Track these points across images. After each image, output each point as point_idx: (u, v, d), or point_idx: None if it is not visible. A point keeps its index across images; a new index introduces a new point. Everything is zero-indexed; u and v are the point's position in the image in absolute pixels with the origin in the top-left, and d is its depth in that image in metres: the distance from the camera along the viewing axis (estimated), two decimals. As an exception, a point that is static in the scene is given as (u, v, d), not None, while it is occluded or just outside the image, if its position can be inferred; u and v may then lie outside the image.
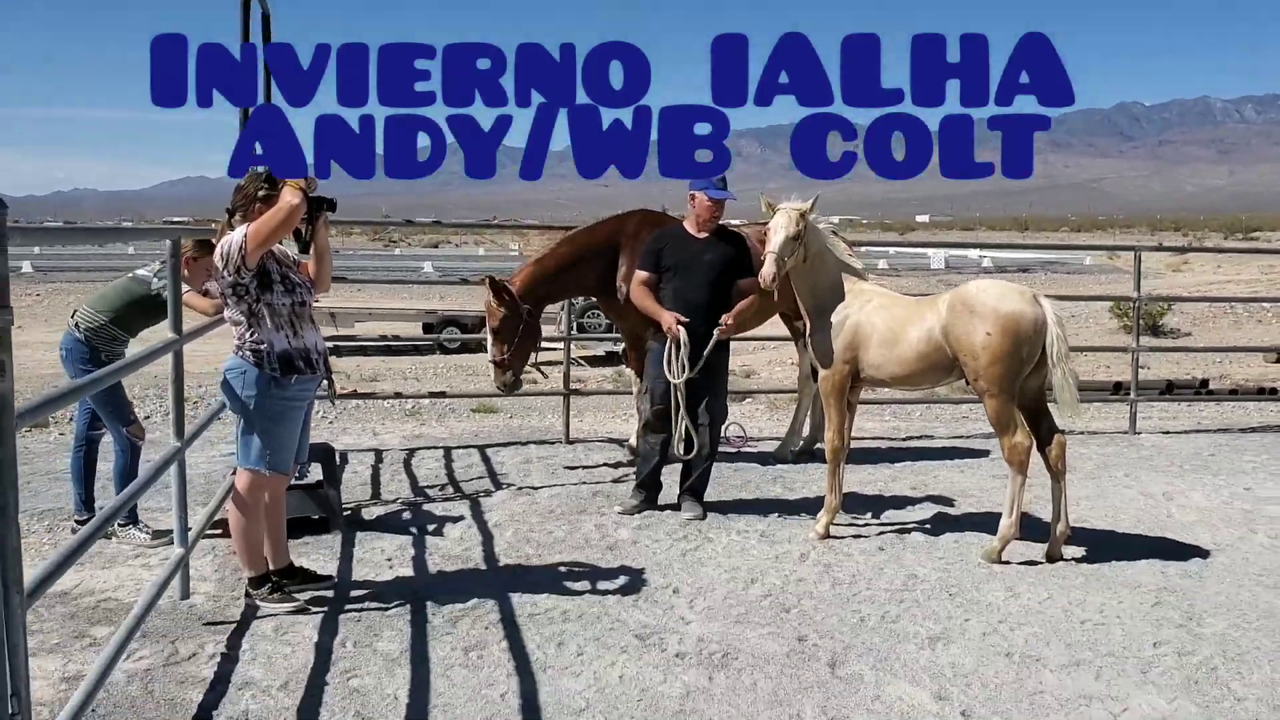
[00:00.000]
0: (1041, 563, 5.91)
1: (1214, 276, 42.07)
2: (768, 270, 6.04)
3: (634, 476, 7.11)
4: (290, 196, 4.70)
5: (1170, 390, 13.82)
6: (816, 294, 6.31)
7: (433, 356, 22.05)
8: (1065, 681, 4.33)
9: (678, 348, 6.53)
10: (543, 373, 8.85)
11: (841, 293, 6.25)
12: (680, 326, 6.50)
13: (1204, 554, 6.12)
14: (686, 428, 6.64)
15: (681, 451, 6.70)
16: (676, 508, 6.88)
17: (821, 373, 6.37)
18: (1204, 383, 15.05)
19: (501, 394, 7.73)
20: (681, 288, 6.68)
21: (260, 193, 4.81)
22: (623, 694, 4.16)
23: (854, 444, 8.99)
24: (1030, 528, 6.18)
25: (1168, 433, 9.99)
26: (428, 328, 23.37)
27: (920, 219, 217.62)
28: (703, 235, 6.77)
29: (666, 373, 6.58)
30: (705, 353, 6.54)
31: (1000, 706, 4.09)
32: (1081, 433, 9.84)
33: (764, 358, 20.78)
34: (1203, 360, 19.83)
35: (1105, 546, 6.21)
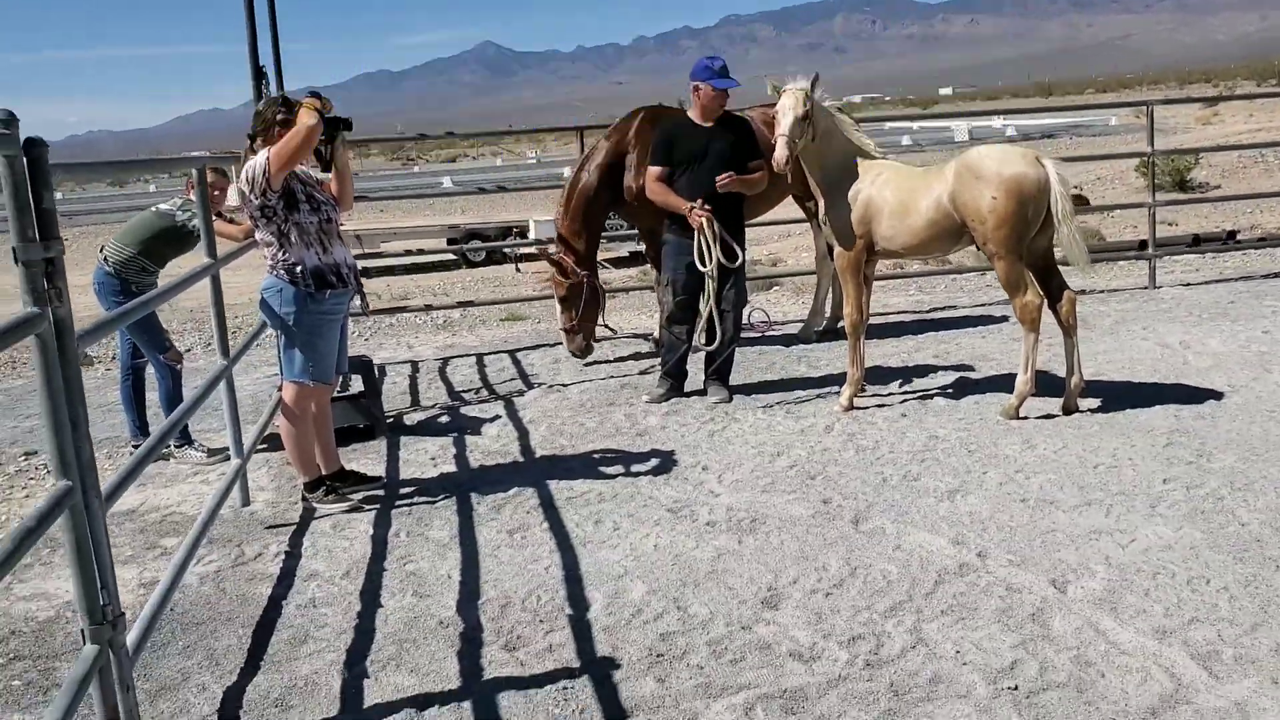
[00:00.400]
0: (1058, 415, 6.11)
1: (1245, 126, 41.16)
2: (781, 153, 6.15)
3: (659, 366, 7.34)
4: (306, 118, 4.88)
5: (1197, 243, 13.79)
6: (826, 172, 6.42)
7: (459, 271, 22.28)
8: (1077, 520, 4.57)
9: (708, 237, 6.66)
10: (613, 330, 9.10)
11: (851, 170, 6.36)
12: (707, 212, 6.62)
13: (1218, 396, 6.30)
14: (711, 318, 6.81)
15: (704, 342, 6.89)
16: (703, 393, 7.11)
17: (837, 250, 6.52)
18: (1232, 234, 14.96)
19: (577, 358, 8.19)
20: (695, 179, 6.75)
21: (278, 116, 4.99)
22: (658, 560, 4.44)
23: (880, 319, 9.21)
24: (1049, 384, 6.37)
25: (1188, 284, 10.08)
26: (452, 242, 23.54)
27: (944, 91, 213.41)
28: (709, 124, 6.85)
29: (697, 263, 6.73)
30: (713, 235, 6.60)
31: (1014, 546, 4.33)
32: (1102, 291, 9.95)
33: (791, 244, 20.86)
34: (1233, 212, 19.69)
35: (1121, 396, 6.40)
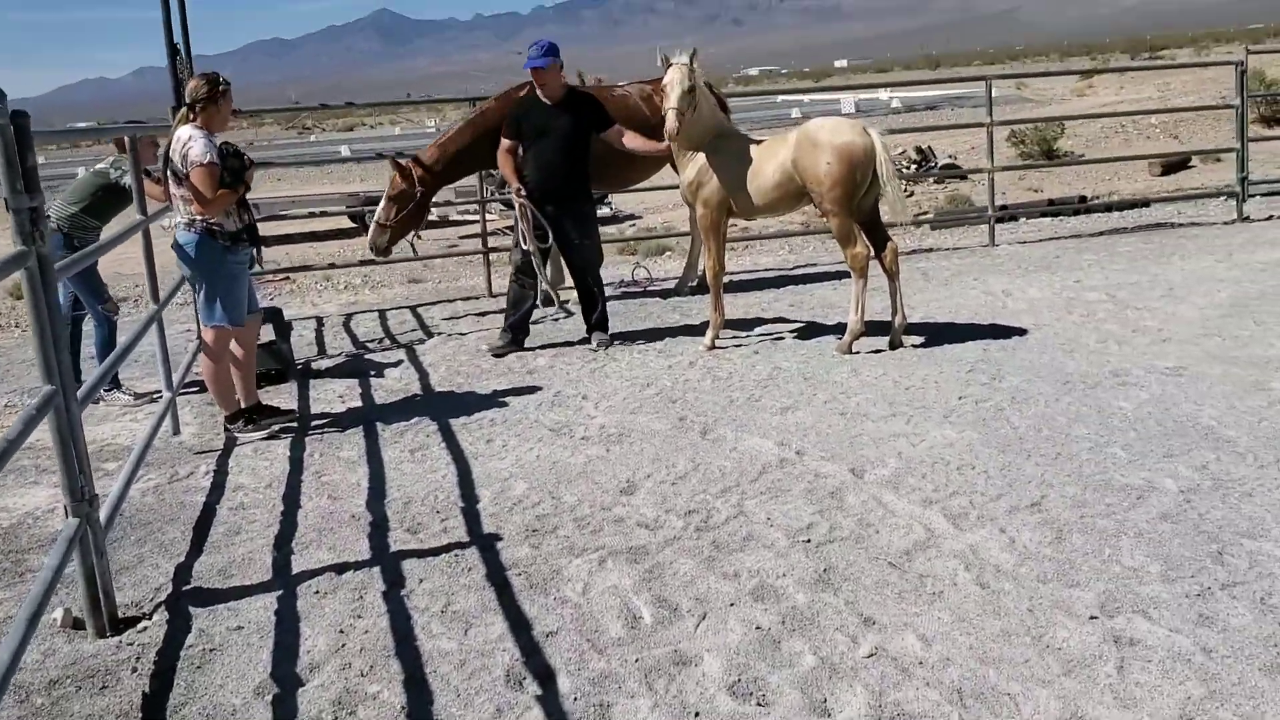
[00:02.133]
0: (885, 350, 7.11)
1: (1115, 97, 43.22)
2: (671, 124, 6.93)
3: (503, 320, 7.91)
4: (223, 203, 5.74)
5: (1051, 205, 15.11)
6: (692, 142, 7.26)
7: (359, 239, 22.65)
8: (881, 427, 5.56)
9: (525, 216, 7.46)
10: (415, 242, 9.49)
11: (712, 141, 7.21)
12: (523, 198, 7.44)
13: (1023, 333, 7.36)
14: (545, 289, 7.78)
15: (541, 304, 7.83)
16: (588, 341, 7.95)
17: (700, 211, 7.39)
18: (1083, 198, 16.33)
19: (372, 253, 8.59)
20: (539, 153, 7.56)
21: (220, 89, 5.81)
22: (538, 466, 5.30)
23: (750, 274, 10.18)
24: (882, 328, 7.36)
25: (1024, 242, 11.25)
26: (352, 217, 23.81)
27: (838, 64, 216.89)
28: (553, 102, 7.58)
29: (521, 239, 7.57)
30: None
31: (827, 447, 5.30)
32: (948, 249, 11.07)
33: (683, 214, 21.76)
34: (1093, 179, 21.28)
35: (943, 334, 7.43)
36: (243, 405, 6.16)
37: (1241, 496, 4.39)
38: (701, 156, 7.21)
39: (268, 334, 7.49)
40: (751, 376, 6.70)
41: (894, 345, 7.16)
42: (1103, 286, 8.67)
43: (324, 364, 7.88)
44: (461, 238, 19.23)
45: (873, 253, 7.07)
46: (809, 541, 4.20)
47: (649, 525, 4.46)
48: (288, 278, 12.67)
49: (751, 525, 4.39)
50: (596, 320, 7.91)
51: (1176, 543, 4.00)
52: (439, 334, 8.62)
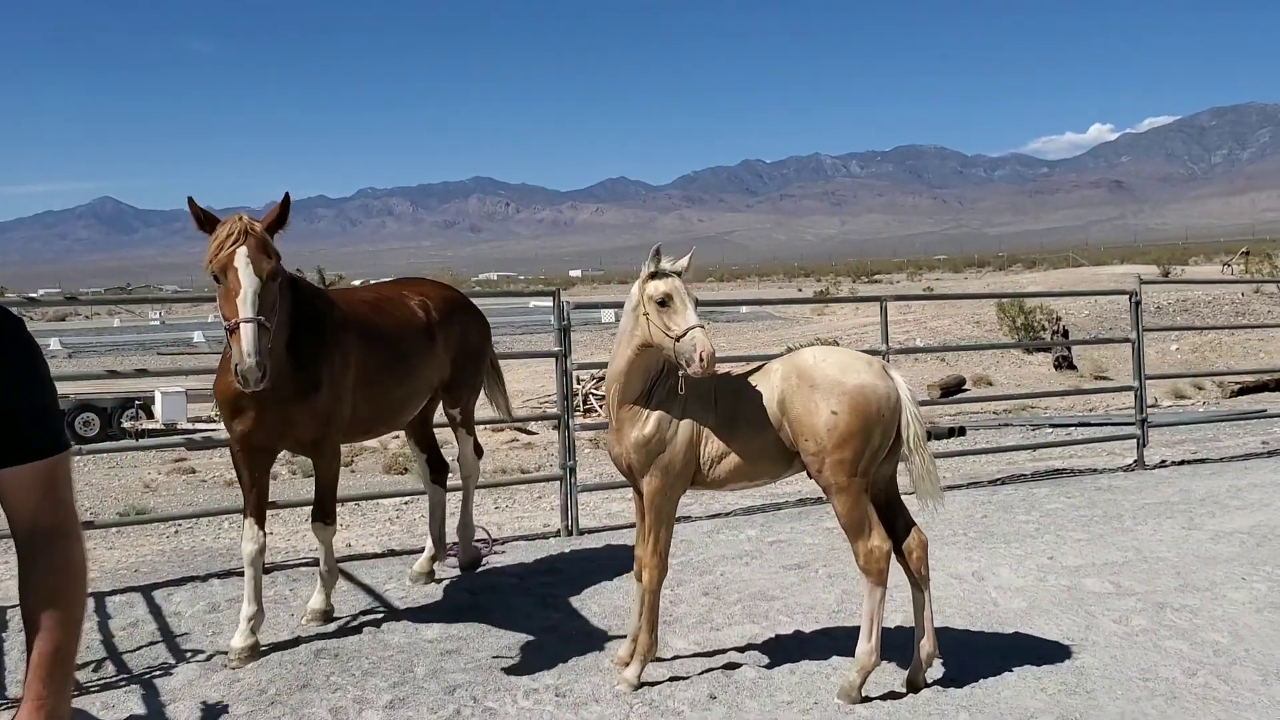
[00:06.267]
0: (905, 694, 4.83)
1: (853, 320, 44.49)
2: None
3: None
4: None
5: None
6: (646, 378, 4.88)
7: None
8: None
9: None
10: None
11: (660, 376, 4.86)
12: None
13: (1067, 654, 5.28)
14: None
15: None
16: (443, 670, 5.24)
17: (653, 483, 4.94)
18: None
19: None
20: None
21: None
22: None
23: (609, 532, 7.82)
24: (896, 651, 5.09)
25: (925, 493, 9.46)
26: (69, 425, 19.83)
27: (574, 273, 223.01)
28: None
29: None
30: None
31: None
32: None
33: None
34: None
35: (953, 656, 5.22)
36: None
37: None
38: (660, 405, 4.84)
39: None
40: (741, 759, 4.21)
41: (916, 686, 4.88)
42: (1092, 569, 6.79)
43: (2, 717, 4.74)
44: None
45: (892, 547, 4.85)
46: None
47: None
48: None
49: None
50: None
51: None
52: (194, 654, 5.55)
